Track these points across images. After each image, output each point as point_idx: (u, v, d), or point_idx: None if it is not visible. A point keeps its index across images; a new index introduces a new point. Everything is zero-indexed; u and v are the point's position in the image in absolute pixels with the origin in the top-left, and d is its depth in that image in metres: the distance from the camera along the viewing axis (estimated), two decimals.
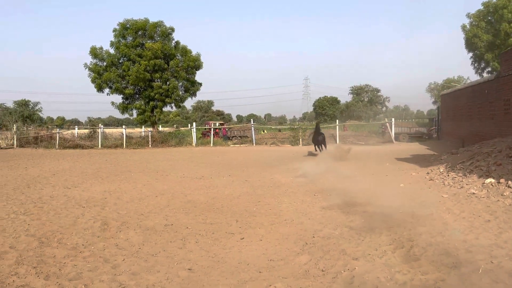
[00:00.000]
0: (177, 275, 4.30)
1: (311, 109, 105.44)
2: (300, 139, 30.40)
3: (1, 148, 27.10)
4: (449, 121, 28.51)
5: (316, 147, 19.14)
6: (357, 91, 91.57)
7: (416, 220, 6.43)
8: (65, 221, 6.76)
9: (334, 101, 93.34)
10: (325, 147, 18.93)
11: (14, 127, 29.67)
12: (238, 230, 6.14)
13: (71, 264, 4.64)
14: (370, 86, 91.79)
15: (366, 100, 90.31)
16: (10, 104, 75.44)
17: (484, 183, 8.55)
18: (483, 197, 7.81)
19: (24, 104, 77.43)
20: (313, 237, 5.71)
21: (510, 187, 7.88)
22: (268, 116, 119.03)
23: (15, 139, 28.75)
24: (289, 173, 12.82)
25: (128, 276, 4.27)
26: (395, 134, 31.00)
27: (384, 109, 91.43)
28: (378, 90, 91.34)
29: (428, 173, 11.35)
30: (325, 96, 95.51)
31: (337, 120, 36.25)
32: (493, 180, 8.48)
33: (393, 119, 32.13)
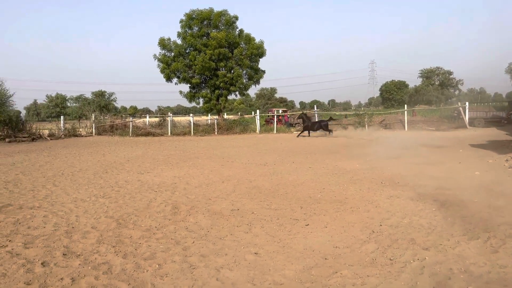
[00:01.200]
0: (244, 259, 4.42)
1: (377, 94, 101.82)
2: (366, 125, 29.50)
3: (82, 136, 29.36)
4: None
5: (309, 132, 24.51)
6: (427, 74, 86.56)
7: (493, 210, 6.01)
8: (139, 204, 7.20)
9: (402, 85, 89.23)
10: (327, 130, 24.12)
11: (93, 116, 31.97)
12: (303, 216, 6.15)
13: (146, 244, 4.95)
14: (441, 68, 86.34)
15: (437, 83, 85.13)
16: (88, 95, 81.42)
17: None
18: None
19: (100, 94, 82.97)
20: (380, 225, 5.56)
21: None
22: (332, 102, 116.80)
23: (93, 128, 30.99)
24: (354, 160, 12.52)
25: (197, 258, 4.46)
26: (469, 119, 28.94)
27: (457, 92, 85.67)
28: (450, 73, 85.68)
29: (507, 160, 10.50)
30: (392, 80, 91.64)
31: (405, 105, 34.56)
32: None
33: (467, 103, 29.99)
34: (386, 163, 11.39)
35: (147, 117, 35.53)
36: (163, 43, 31.63)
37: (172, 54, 31.70)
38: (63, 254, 4.60)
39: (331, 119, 26.55)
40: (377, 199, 7.15)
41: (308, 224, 5.71)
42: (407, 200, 6.97)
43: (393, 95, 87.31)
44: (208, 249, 4.74)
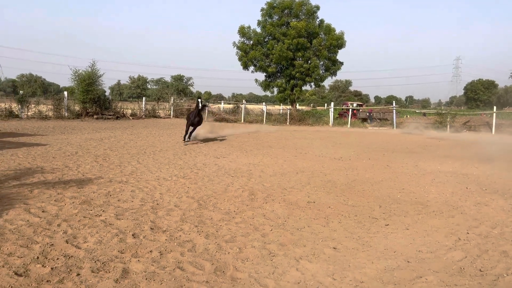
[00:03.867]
0: (323, 252, 4.39)
1: (460, 92, 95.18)
2: (448, 126, 27.70)
3: (161, 117, 30.98)
4: None
5: (187, 135, 14.49)
6: None
7: None
8: (217, 187, 7.46)
9: (490, 84, 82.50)
10: (190, 134, 14.57)
11: (171, 99, 33.54)
12: (382, 215, 5.96)
13: (226, 227, 5.11)
14: None
15: None
16: (168, 79, 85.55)
17: None
18: None
19: (179, 79, 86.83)
20: (467, 233, 5.21)
21: None
22: (409, 99, 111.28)
23: (171, 110, 32.53)
24: (436, 161, 11.83)
25: (276, 246, 4.53)
26: None
27: None
28: None
29: None
30: (479, 79, 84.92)
31: (494, 107, 31.91)
32: None
33: None
34: (471, 168, 10.63)
35: (222, 103, 36.51)
36: (243, 31, 32.15)
37: (251, 42, 32.13)
38: (151, 228, 4.91)
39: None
40: (462, 205, 6.71)
41: (388, 224, 5.52)
42: (497, 209, 6.45)
43: (479, 95, 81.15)
44: (286, 238, 4.78)
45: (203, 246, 4.43)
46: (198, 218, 5.46)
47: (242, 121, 30.38)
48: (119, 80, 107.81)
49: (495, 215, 6.14)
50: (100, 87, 27.22)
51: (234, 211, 5.90)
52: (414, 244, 4.78)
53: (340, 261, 4.18)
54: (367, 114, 34.00)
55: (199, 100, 14.93)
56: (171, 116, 31.97)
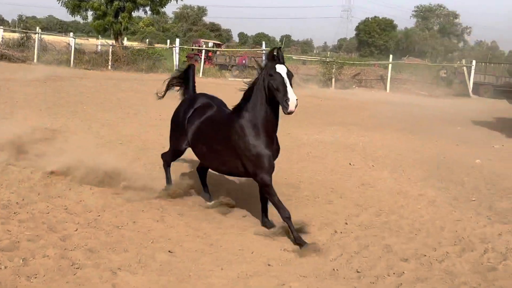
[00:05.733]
0: (153, 258, 4.55)
1: (352, 34, 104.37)
2: (333, 79, 30.36)
3: None
4: None
5: None
6: (424, 14, 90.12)
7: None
8: None
9: (388, 25, 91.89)
10: None
11: None
12: (239, 204, 6.40)
13: (2, 228, 4.90)
14: (444, 8, 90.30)
15: (436, 28, 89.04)
16: None
17: None
18: None
19: None
20: (346, 223, 5.96)
21: None
22: (286, 39, 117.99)
23: None
24: (314, 128, 13.12)
25: (83, 253, 4.51)
26: (473, 84, 30.83)
27: (461, 44, 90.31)
28: (455, 15, 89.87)
29: None
30: (375, 17, 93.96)
31: (390, 56, 35.93)
32: None
33: (473, 62, 31.91)
34: (357, 137, 12.00)
35: (1, 30, 33.67)
36: None
37: None
38: None
39: None
40: (343, 186, 7.72)
41: (245, 216, 5.96)
42: (383, 192, 7.52)
43: (374, 39, 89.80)
44: (98, 242, 4.83)
45: None
46: None
47: (35, 60, 28.67)
48: None
49: (381, 199, 7.12)
50: None
51: (18, 202, 5.75)
52: (279, 241, 5.25)
53: (178, 269, 4.40)
54: (240, 63, 35.27)
55: None
56: None
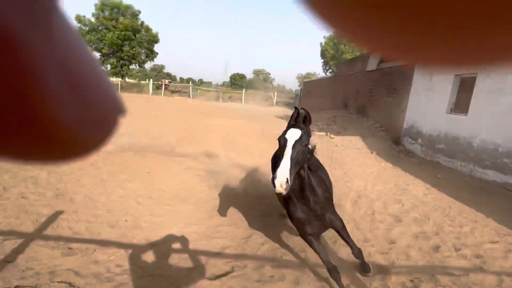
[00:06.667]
0: (140, 175, 10.30)
1: None
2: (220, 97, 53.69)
3: None
4: (307, 98, 47.36)
5: None
6: None
7: None
8: None
9: None
10: None
11: None
12: None
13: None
14: None
15: None
16: None
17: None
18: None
19: None
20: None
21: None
22: (200, 80, 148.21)
23: None
24: None
25: (107, 174, 8.20)
26: None
27: None
28: None
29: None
30: None
31: None
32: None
33: None
34: None
35: None
36: (79, 19, 59.47)
37: (87, 28, 59.38)
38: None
39: None
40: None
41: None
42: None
43: None
44: (115, 169, 7.84)
45: (45, 180, 6.36)
46: None
47: None
48: None
49: None
50: None
51: None
52: None
53: (152, 180, 7.20)
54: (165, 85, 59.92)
55: None
56: None
